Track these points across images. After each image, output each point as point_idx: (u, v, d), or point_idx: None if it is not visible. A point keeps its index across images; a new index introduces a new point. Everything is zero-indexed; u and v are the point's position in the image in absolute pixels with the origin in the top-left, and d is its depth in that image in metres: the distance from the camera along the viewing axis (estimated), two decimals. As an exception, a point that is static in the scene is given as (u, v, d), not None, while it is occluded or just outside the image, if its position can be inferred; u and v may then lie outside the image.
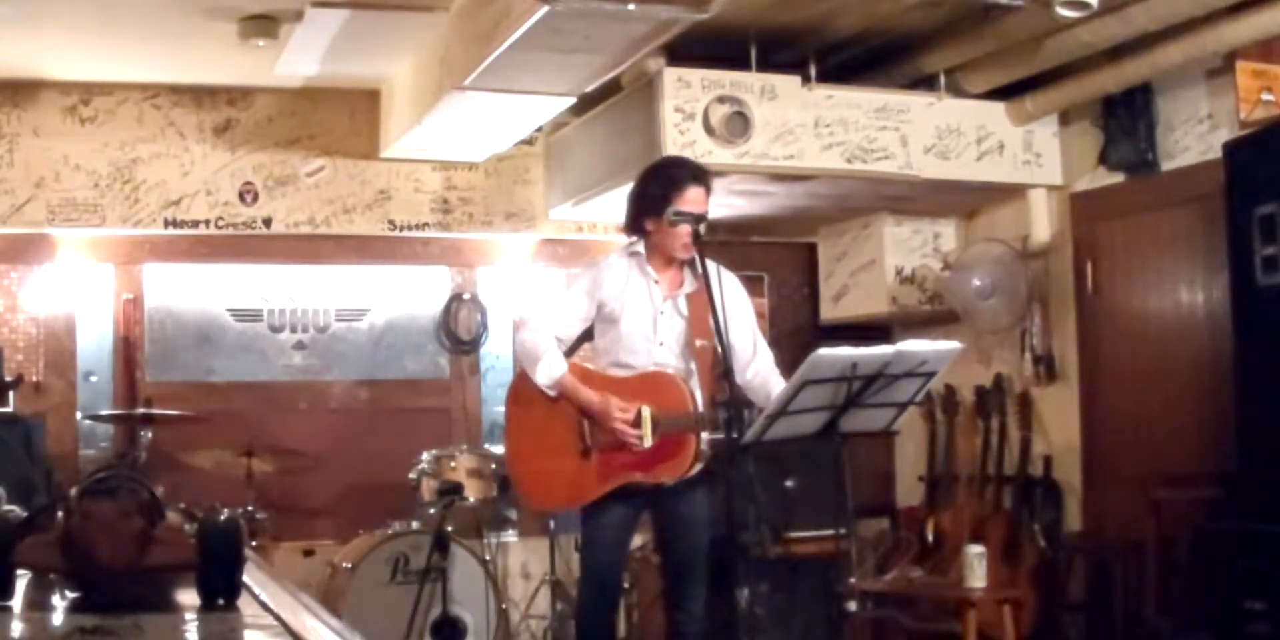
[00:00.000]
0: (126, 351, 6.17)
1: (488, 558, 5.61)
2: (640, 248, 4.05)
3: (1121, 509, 5.55)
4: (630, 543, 4.18)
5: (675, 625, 4.08)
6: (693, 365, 4.00)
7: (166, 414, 5.71)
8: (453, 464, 5.59)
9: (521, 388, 4.10)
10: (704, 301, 3.85)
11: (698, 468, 3.98)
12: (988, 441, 6.05)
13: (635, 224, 4.05)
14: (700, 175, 4.01)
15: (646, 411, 3.90)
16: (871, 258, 6.53)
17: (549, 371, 3.96)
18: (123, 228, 6.14)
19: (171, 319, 6.28)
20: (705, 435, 3.96)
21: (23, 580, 1.74)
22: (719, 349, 3.91)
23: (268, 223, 6.31)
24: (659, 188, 3.97)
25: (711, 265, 3.95)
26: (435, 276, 6.66)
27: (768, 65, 5.53)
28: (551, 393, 3.98)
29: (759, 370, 4.08)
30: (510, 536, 6.14)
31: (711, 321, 3.81)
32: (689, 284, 4.03)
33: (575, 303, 4.05)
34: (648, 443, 3.90)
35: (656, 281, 4.02)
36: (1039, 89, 5.73)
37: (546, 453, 4.03)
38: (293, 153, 6.35)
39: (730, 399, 3.69)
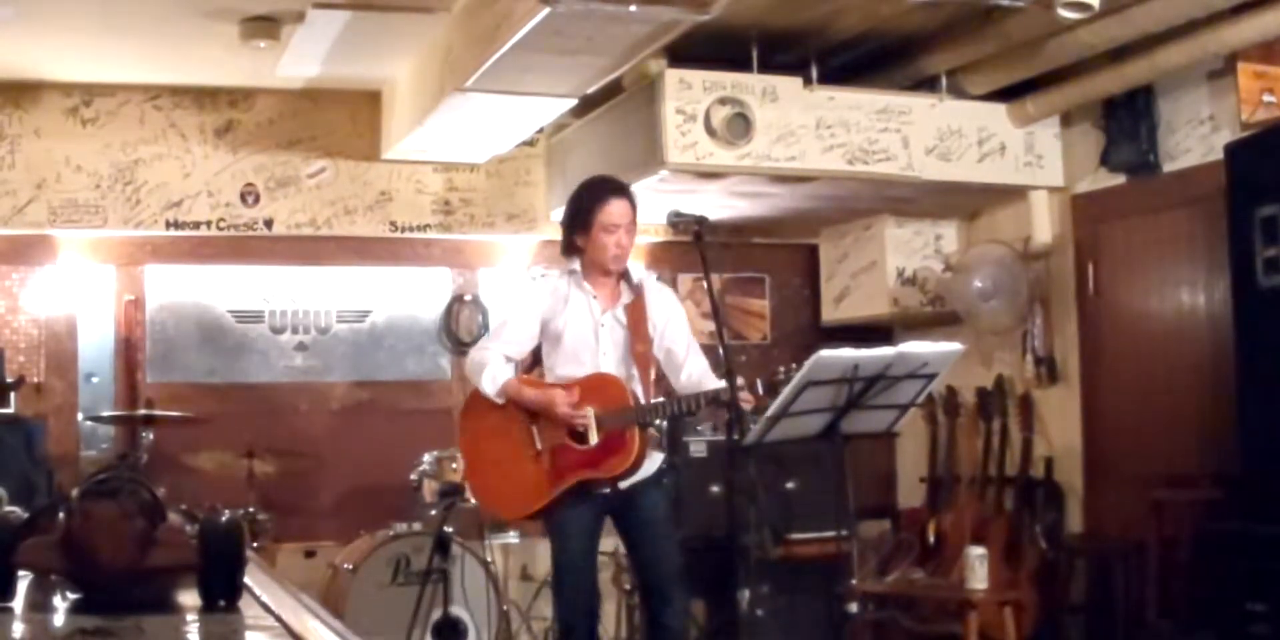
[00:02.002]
0: (128, 353, 6.18)
1: (489, 559, 5.61)
2: (577, 266, 4.22)
3: (1123, 510, 5.55)
4: (598, 548, 4.26)
5: (656, 616, 4.12)
6: (634, 371, 4.15)
7: (168, 415, 5.72)
8: (454, 465, 5.58)
9: (472, 403, 4.29)
10: (641, 312, 4.14)
11: (653, 462, 4.13)
12: (989, 443, 6.05)
13: (568, 243, 4.23)
14: (619, 189, 4.21)
15: (590, 411, 4.03)
16: (873, 259, 6.53)
17: (493, 379, 4.13)
18: (124, 229, 6.14)
19: (173, 320, 6.28)
20: (702, 436, 4.08)
21: (24, 581, 1.74)
22: (657, 355, 4.19)
23: (269, 224, 6.31)
24: (583, 203, 4.18)
25: (649, 280, 4.28)
26: (436, 278, 6.66)
27: (769, 67, 5.53)
28: (499, 400, 4.14)
29: (690, 373, 4.22)
30: (511, 538, 6.13)
31: (650, 329, 4.14)
32: (626, 296, 4.20)
33: (521, 323, 4.22)
34: (593, 439, 4.02)
35: (595, 297, 4.18)
36: (1040, 90, 5.73)
37: (500, 462, 4.17)
38: (294, 154, 6.35)
39: (731, 400, 3.70)
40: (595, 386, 4.09)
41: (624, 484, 4.07)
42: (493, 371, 4.14)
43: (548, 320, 4.19)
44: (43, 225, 6.04)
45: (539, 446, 4.12)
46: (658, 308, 4.22)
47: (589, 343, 4.16)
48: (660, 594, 4.11)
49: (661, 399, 4.13)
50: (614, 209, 4.11)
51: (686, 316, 4.35)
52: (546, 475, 4.08)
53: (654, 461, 4.16)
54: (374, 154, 6.39)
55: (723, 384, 3.87)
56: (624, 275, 4.23)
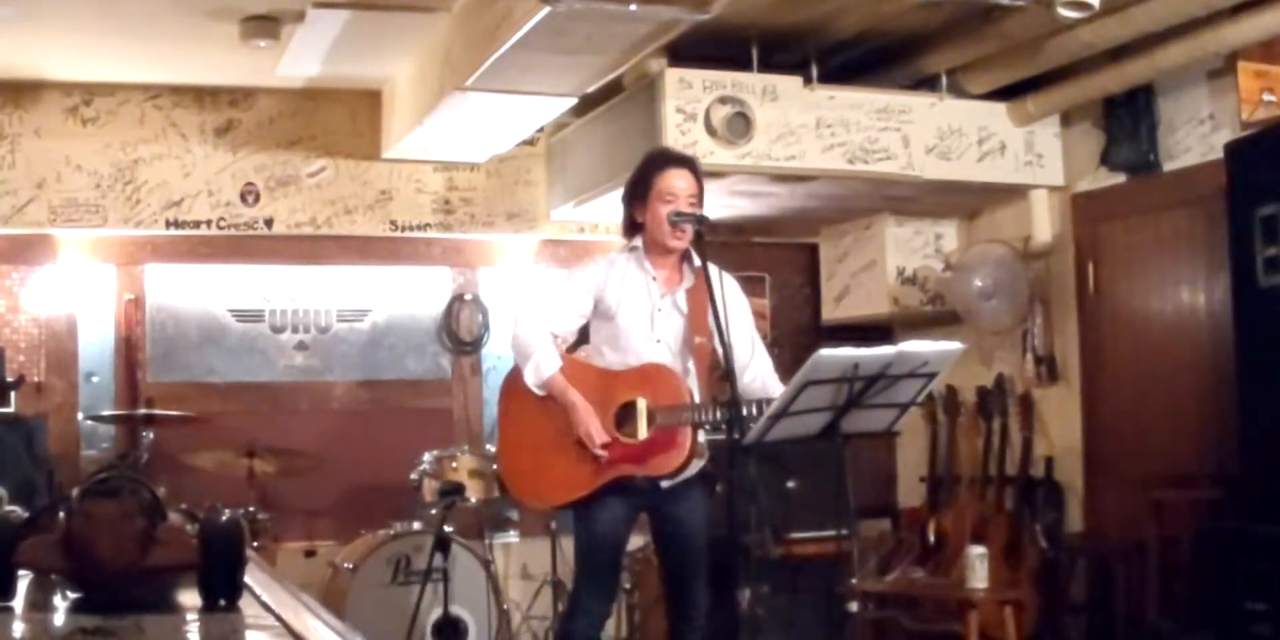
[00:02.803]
0: (128, 352, 6.18)
1: (489, 558, 5.61)
2: (638, 242, 3.99)
3: (1123, 510, 5.55)
4: (627, 542, 4.09)
5: (677, 632, 3.98)
6: (690, 364, 3.94)
7: (168, 414, 5.72)
8: (454, 465, 5.59)
9: (516, 381, 4.03)
10: (703, 298, 3.83)
11: (697, 465, 3.95)
12: (989, 442, 6.05)
13: (629, 220, 4.01)
14: (680, 159, 4.02)
15: (642, 403, 3.83)
16: (873, 258, 6.53)
17: (538, 371, 3.90)
18: (124, 228, 6.15)
19: (173, 319, 6.28)
20: (703, 435, 3.93)
21: (24, 581, 1.74)
22: (718, 349, 3.89)
23: (269, 223, 6.31)
24: (641, 173, 3.98)
25: (712, 266, 3.92)
26: (437, 277, 6.67)
27: (769, 66, 5.53)
28: (540, 393, 3.93)
29: (757, 374, 4.00)
30: (511, 537, 6.14)
31: (711, 320, 3.81)
32: (688, 280, 3.97)
33: (572, 298, 3.98)
34: (642, 434, 3.83)
35: (654, 278, 3.95)
36: (1040, 90, 5.73)
37: (539, 447, 3.95)
38: (294, 153, 6.35)
39: (732, 400, 3.61)
40: (650, 378, 3.86)
41: (666, 483, 3.91)
42: (538, 360, 3.89)
43: (600, 297, 3.93)
44: (43, 225, 6.04)
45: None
46: (719, 297, 3.84)
47: (643, 328, 3.92)
48: (680, 604, 3.97)
49: (725, 407, 3.67)
50: (673, 177, 3.90)
51: (754, 309, 4.05)
52: (588, 467, 3.87)
53: (698, 463, 3.97)
54: (374, 153, 6.39)
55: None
56: (685, 257, 3.97)
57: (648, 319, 3.93)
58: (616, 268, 3.97)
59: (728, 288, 3.92)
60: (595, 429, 3.83)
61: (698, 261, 3.94)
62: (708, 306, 3.80)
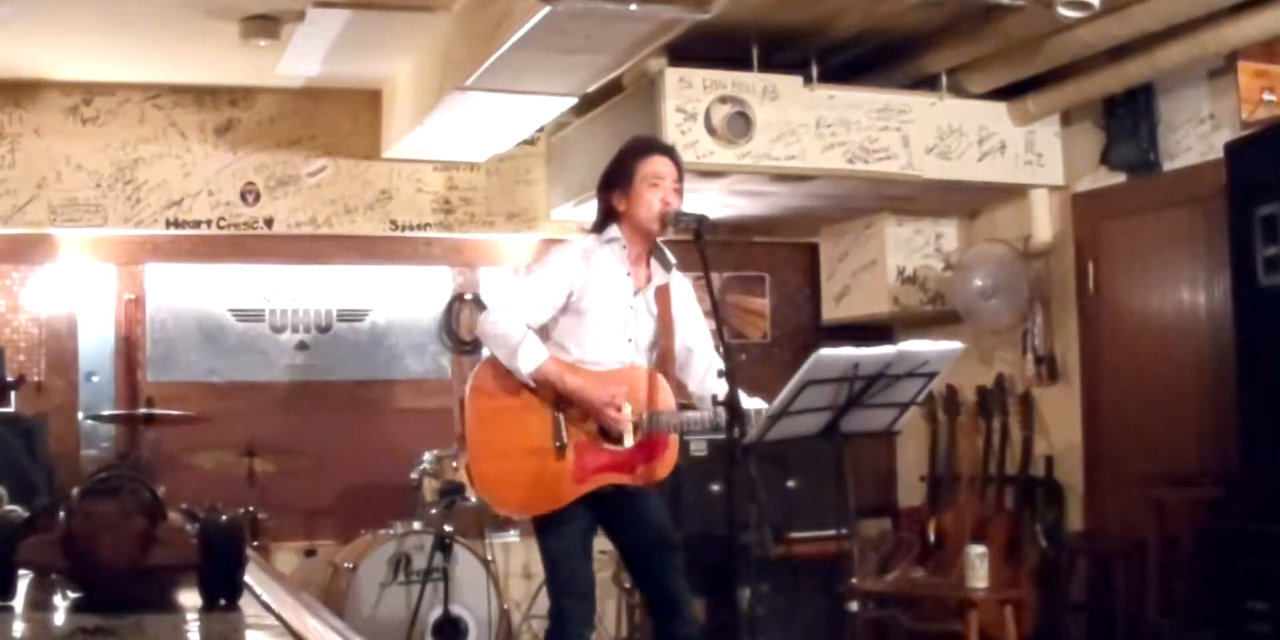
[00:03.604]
0: (128, 352, 6.18)
1: (489, 558, 5.62)
2: (617, 232, 3.78)
3: (1123, 509, 5.56)
4: (593, 551, 3.89)
5: (670, 629, 3.85)
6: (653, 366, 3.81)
7: (168, 414, 5.72)
8: (455, 464, 5.59)
9: (485, 380, 3.72)
10: (669, 300, 3.79)
11: None
12: (989, 442, 6.05)
13: (605, 208, 3.81)
14: (661, 146, 3.92)
15: (627, 408, 3.68)
16: (873, 258, 6.53)
17: (530, 359, 3.59)
18: (124, 228, 6.15)
19: (173, 319, 6.28)
20: (700, 435, 3.87)
21: (24, 580, 1.74)
22: (679, 351, 3.86)
23: (269, 223, 6.31)
24: (623, 159, 3.81)
25: (676, 269, 3.88)
26: (437, 277, 6.67)
27: (769, 65, 5.53)
28: (531, 382, 3.64)
29: (711, 381, 3.77)
30: (512, 536, 6.14)
31: (679, 319, 3.79)
32: (658, 278, 3.82)
33: (549, 287, 3.72)
34: (629, 441, 3.68)
35: (629, 273, 3.78)
36: (1041, 89, 5.73)
37: (515, 453, 3.68)
38: (294, 153, 6.35)
39: (730, 400, 3.51)
40: (633, 381, 3.71)
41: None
42: (529, 348, 3.58)
43: (575, 291, 3.70)
44: (43, 224, 6.04)
45: (565, 440, 3.66)
46: (679, 298, 3.82)
47: (615, 328, 3.73)
48: (672, 607, 3.83)
49: (724, 405, 3.47)
50: (656, 163, 3.74)
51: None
52: (570, 475, 3.66)
53: None
54: (374, 153, 6.39)
55: (761, 404, 3.59)
56: (657, 252, 3.80)
57: (621, 317, 3.76)
58: (595, 261, 3.75)
59: (687, 288, 3.91)
60: (606, 399, 3.61)
61: (672, 258, 3.85)
62: (671, 306, 3.77)
